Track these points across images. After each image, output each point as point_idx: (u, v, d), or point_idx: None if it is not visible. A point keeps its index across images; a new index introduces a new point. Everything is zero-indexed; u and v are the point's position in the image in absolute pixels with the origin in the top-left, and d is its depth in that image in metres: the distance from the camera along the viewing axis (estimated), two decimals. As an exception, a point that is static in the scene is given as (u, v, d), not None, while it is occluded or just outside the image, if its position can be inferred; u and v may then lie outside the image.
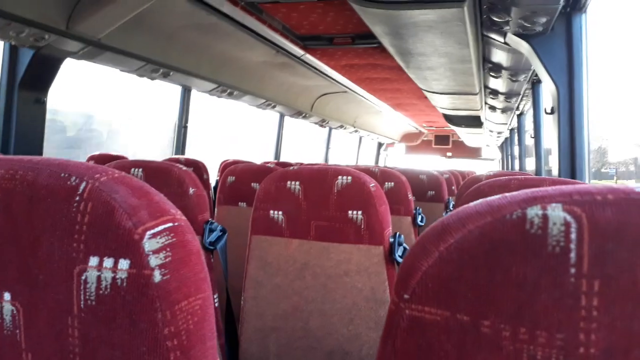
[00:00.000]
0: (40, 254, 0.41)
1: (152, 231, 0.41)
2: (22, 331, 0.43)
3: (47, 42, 2.21)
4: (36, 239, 0.41)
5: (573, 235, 0.31)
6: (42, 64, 2.41)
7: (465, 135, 8.15)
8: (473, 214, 0.34)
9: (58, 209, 0.41)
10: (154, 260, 0.40)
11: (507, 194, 0.35)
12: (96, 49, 2.50)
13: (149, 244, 0.40)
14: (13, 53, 2.40)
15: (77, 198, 0.41)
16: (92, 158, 2.98)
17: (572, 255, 0.31)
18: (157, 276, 0.40)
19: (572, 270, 0.30)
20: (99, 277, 0.40)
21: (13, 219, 0.42)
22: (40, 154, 2.56)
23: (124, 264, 0.39)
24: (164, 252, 0.40)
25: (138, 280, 0.39)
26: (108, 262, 0.40)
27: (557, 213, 0.31)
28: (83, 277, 0.40)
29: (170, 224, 0.42)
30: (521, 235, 0.32)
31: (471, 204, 0.36)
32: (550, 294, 0.31)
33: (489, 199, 0.35)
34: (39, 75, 2.44)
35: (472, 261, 0.33)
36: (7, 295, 0.43)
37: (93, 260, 0.40)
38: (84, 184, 0.41)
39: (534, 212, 0.32)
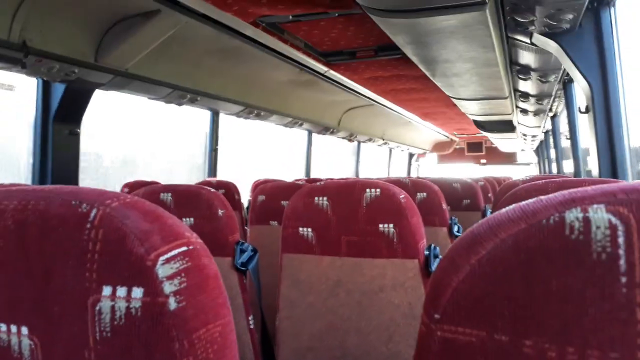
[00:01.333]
0: (53, 286, 0.40)
1: (166, 256, 0.39)
2: None
3: (77, 75, 2.27)
4: (48, 270, 0.40)
5: (621, 240, 0.27)
6: (73, 97, 2.49)
7: (499, 140, 7.96)
8: (505, 221, 0.31)
9: (70, 237, 0.40)
10: (168, 287, 0.38)
11: (542, 197, 0.31)
12: (124, 79, 2.57)
13: (162, 270, 0.38)
14: (46, 88, 2.49)
15: (89, 225, 0.40)
16: (126, 186, 3.03)
17: (622, 262, 0.27)
18: (172, 304, 0.38)
19: (623, 280, 0.27)
20: (112, 307, 0.38)
21: (26, 251, 0.41)
22: (76, 183, 2.63)
23: (137, 292, 0.38)
24: (179, 277, 0.39)
25: (152, 308, 0.37)
26: (121, 291, 0.38)
27: (600, 215, 0.28)
28: (97, 308, 0.39)
29: (184, 248, 0.40)
30: (561, 242, 0.28)
31: (502, 210, 0.33)
32: (599, 308, 0.27)
33: (522, 203, 0.32)
34: (72, 107, 2.52)
35: (508, 274, 0.29)
36: (24, 330, 0.42)
37: (106, 290, 0.38)
38: (94, 211, 0.40)
39: (573, 215, 0.28)
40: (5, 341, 0.42)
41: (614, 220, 0.27)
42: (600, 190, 0.29)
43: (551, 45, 2.07)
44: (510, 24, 2.10)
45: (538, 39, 2.09)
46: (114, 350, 0.38)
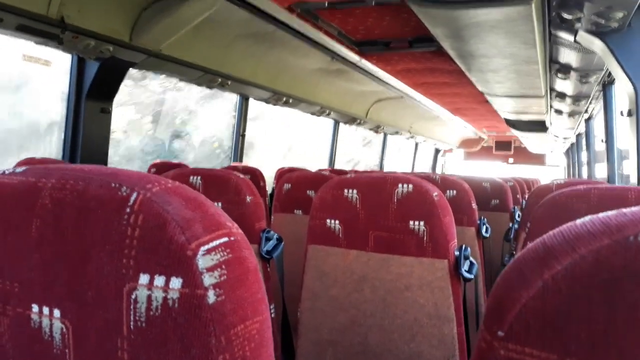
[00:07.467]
0: (89, 270, 0.39)
1: (207, 246, 0.37)
2: (71, 350, 0.40)
3: (111, 53, 2.29)
4: (86, 254, 0.39)
5: None
6: (107, 75, 2.50)
7: (528, 140, 7.80)
8: (584, 235, 0.28)
9: (108, 221, 0.38)
10: (208, 279, 0.36)
11: (624, 210, 0.28)
12: (157, 59, 2.57)
13: (202, 261, 0.36)
14: (80, 65, 2.51)
15: (128, 210, 0.38)
16: (154, 166, 3.06)
17: None
18: (211, 297, 0.36)
19: None
20: (149, 297, 0.37)
21: (63, 232, 0.40)
22: (106, 161, 2.65)
23: (175, 282, 0.36)
24: (219, 269, 0.37)
25: (191, 300, 0.36)
26: (159, 281, 0.36)
27: None
28: (133, 296, 0.37)
29: (225, 239, 0.38)
30: None
31: (577, 221, 0.30)
32: None
33: (601, 215, 0.29)
34: (105, 85, 2.54)
35: (587, 294, 0.26)
36: (56, 312, 0.40)
37: (143, 278, 0.37)
38: (135, 195, 0.38)
39: None
40: (36, 323, 0.41)
41: None
42: None
43: (596, 45, 1.99)
44: (555, 21, 2.02)
45: (583, 37, 2.01)
46: (148, 342, 0.37)
